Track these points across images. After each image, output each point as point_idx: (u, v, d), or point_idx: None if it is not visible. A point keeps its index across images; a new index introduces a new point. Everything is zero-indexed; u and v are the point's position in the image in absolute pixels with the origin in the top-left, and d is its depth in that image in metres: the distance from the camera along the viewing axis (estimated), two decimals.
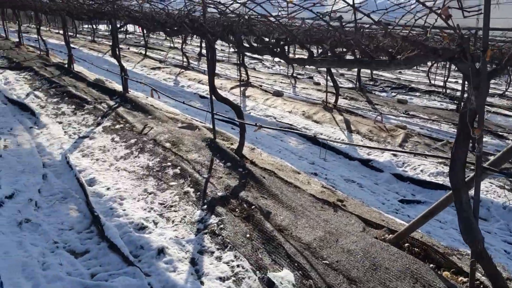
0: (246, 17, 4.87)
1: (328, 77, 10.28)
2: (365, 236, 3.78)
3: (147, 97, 9.42)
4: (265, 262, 3.47)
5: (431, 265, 3.50)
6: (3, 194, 4.30)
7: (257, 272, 3.38)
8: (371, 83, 17.55)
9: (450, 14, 2.53)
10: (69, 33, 29.59)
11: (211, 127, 7.51)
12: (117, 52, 8.09)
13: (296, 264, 3.40)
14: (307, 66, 22.42)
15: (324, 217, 4.15)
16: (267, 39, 4.80)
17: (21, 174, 5.04)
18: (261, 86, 13.60)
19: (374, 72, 20.31)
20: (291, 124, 9.30)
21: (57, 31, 30.94)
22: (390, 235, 3.86)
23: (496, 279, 3.02)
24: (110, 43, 22.72)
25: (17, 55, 13.45)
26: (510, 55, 2.87)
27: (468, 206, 2.99)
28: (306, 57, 3.89)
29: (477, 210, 3.01)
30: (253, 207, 4.24)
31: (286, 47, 12.43)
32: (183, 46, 17.35)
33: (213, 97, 5.91)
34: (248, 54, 25.33)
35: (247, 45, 4.72)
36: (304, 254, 3.52)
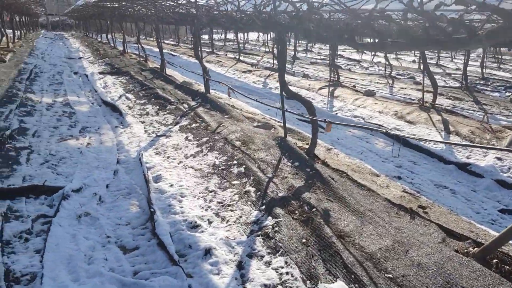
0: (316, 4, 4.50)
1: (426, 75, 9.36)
2: (443, 249, 3.16)
3: (230, 98, 9.40)
4: (318, 271, 3.05)
5: None
6: (70, 188, 4.42)
7: (307, 282, 2.98)
8: (482, 82, 15.84)
9: None
10: (172, 42, 31.32)
11: (288, 126, 7.21)
12: (199, 54, 8.16)
13: (353, 276, 2.93)
14: (408, 65, 21.05)
15: (396, 225, 3.59)
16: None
17: (95, 170, 5.20)
18: (355, 86, 12.96)
19: (486, 71, 18.37)
20: (380, 125, 8.61)
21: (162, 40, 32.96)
22: (476, 249, 3.20)
23: None
24: (209, 50, 23.63)
25: (120, 62, 14.44)
26: None
27: None
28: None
29: None
30: (314, 210, 3.83)
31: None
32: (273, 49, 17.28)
33: (284, 94, 5.60)
34: (345, 56, 24.58)
35: (315, 34, 4.33)
36: (365, 265, 3.03)
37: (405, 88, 13.06)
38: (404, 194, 4.50)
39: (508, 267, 3.02)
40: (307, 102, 5.33)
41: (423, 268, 2.94)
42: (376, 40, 3.60)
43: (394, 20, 3.18)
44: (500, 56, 21.37)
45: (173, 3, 7.18)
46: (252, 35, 42.09)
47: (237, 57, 19.59)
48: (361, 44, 3.79)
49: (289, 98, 5.83)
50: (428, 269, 2.93)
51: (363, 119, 9.12)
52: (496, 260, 3.07)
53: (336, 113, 9.81)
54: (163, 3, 7.48)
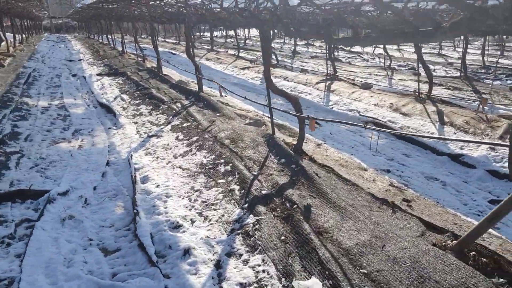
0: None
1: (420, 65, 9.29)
2: (420, 242, 3.15)
3: (222, 96, 9.40)
4: (294, 268, 3.05)
5: (501, 280, 2.78)
6: (56, 191, 4.45)
7: (283, 279, 2.98)
8: (483, 71, 15.67)
9: None
10: (174, 41, 31.29)
11: (280, 123, 7.21)
12: (191, 53, 8.16)
13: (327, 273, 2.93)
14: (410, 56, 20.87)
15: (376, 219, 3.57)
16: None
17: (84, 172, 5.23)
18: (354, 80, 12.89)
19: (489, 59, 18.17)
20: (375, 118, 8.56)
21: (162, 39, 33.06)
22: (454, 242, 3.18)
23: None
24: (209, 47, 23.62)
25: (118, 63, 14.49)
26: None
27: None
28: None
29: None
30: (295, 206, 3.83)
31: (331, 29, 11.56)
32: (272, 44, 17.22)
33: (274, 90, 5.58)
34: (346, 49, 24.43)
35: (294, 30, 4.31)
36: (340, 261, 3.02)
37: (404, 80, 12.97)
38: (389, 188, 4.48)
39: (485, 259, 2.99)
40: (293, 99, 5.31)
41: (398, 263, 2.93)
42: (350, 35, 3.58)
43: (364, 15, 3.16)
44: (503, 44, 21.12)
45: (162, 3, 7.19)
46: (254, 31, 42.03)
47: (236, 53, 19.57)
48: (336, 39, 3.77)
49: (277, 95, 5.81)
50: (403, 263, 2.92)
51: (359, 112, 9.08)
52: (473, 253, 3.05)
53: (332, 108, 9.77)
54: (152, 2, 7.48)
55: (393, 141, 7.34)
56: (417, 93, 9.28)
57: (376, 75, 14.69)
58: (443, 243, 3.21)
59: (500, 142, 5.77)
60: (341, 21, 3.66)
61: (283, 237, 3.45)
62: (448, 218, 3.75)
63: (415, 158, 6.44)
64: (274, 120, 7.29)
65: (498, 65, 16.74)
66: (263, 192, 4.21)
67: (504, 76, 14.39)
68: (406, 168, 5.93)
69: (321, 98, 10.58)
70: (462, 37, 16.42)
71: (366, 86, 10.70)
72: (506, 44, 21.39)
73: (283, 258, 3.21)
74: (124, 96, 9.40)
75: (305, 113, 9.30)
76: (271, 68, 14.84)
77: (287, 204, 3.92)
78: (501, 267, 2.94)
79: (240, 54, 19.44)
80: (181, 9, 7.60)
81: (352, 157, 5.71)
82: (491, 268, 2.92)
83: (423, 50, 21.00)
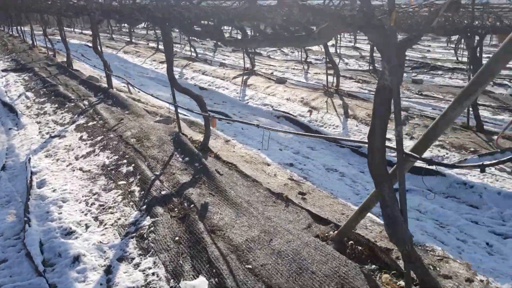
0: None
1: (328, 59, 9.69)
2: (304, 235, 3.34)
3: (139, 91, 9.20)
4: (184, 269, 3.11)
5: (373, 267, 3.03)
6: None
7: (171, 280, 3.03)
8: None
9: None
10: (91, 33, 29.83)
11: (192, 119, 7.22)
12: (98, 48, 7.88)
13: (214, 271, 3.02)
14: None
15: (269, 214, 3.73)
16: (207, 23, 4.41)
17: None
18: (272, 73, 13.16)
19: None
20: (287, 112, 8.84)
21: (80, 31, 31.50)
22: (335, 232, 3.41)
23: (428, 283, 2.53)
24: (128, 40, 22.88)
25: (27, 57, 13.63)
26: (427, 21, 2.35)
27: (393, 200, 2.52)
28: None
29: (404, 204, 2.54)
30: (192, 206, 3.88)
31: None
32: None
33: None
34: None
35: (189, 29, 4.33)
36: (228, 258, 3.13)
37: (319, 73, 13.46)
38: (288, 182, 4.67)
39: (360, 247, 3.24)
40: (197, 97, 5.34)
41: (282, 256, 3.09)
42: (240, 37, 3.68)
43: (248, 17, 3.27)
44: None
45: None
46: None
47: (156, 46, 19.15)
48: (227, 40, 3.84)
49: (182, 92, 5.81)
50: (286, 256, 3.08)
51: (272, 107, 9.31)
52: (351, 242, 3.30)
53: (248, 102, 9.93)
54: None
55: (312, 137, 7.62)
56: (326, 88, 9.69)
57: (294, 69, 15.12)
58: (326, 234, 3.43)
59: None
60: (231, 22, 3.74)
61: (177, 238, 3.49)
62: (338, 209, 4.00)
63: (320, 151, 6.76)
64: (186, 117, 7.30)
65: (406, 58, 17.87)
66: (163, 192, 4.21)
67: (410, 69, 15.39)
68: (310, 161, 6.20)
69: (237, 93, 10.70)
70: None
71: (281, 81, 10.98)
72: None
73: (174, 259, 3.25)
74: (29, 93, 8.88)
75: (221, 108, 9.40)
76: (190, 62, 14.74)
77: (185, 204, 3.97)
78: (375, 254, 3.21)
79: (161, 47, 19.05)
80: (85, 4, 7.31)
81: (259, 152, 5.86)
82: (365, 256, 3.18)
83: (341, 44, 21.93)
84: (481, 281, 3.05)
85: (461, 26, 6.78)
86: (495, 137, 6.42)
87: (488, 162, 2.20)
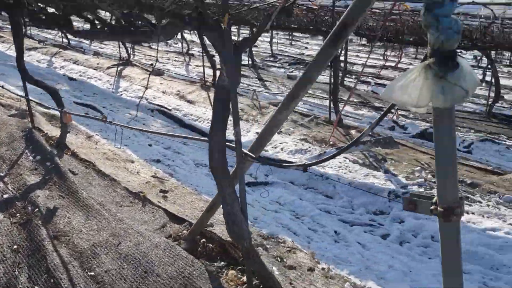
0: None
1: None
2: (155, 236, 3.27)
3: None
4: (20, 281, 2.85)
5: (222, 264, 3.09)
6: None
7: None
8: (271, 59, 17.22)
9: None
10: None
11: (52, 113, 6.69)
12: None
13: (52, 281, 2.81)
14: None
15: (121, 215, 3.59)
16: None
17: None
18: (151, 65, 12.76)
19: (279, 48, 20.11)
20: (161, 106, 8.64)
21: None
22: (188, 231, 3.40)
23: (266, 279, 2.65)
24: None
25: None
26: (261, 25, 2.43)
27: (232, 198, 2.57)
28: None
29: (245, 202, 2.61)
30: (36, 210, 3.59)
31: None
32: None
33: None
34: None
35: (35, 17, 3.97)
36: (70, 266, 2.94)
37: (200, 66, 13.41)
38: (151, 180, 4.56)
39: (212, 244, 3.28)
40: (50, 89, 4.96)
41: (128, 260, 2.99)
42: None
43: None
44: (291, 33, 23.56)
45: None
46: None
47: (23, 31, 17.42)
48: (77, 31, 3.60)
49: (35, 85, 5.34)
50: (133, 260, 2.99)
51: (147, 100, 9.03)
52: (203, 240, 3.31)
53: (121, 95, 9.51)
54: None
55: (175, 129, 7.53)
56: (202, 81, 9.69)
57: (175, 60, 14.88)
58: (179, 234, 3.41)
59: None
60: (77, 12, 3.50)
61: (15, 246, 3.19)
62: (199, 206, 3.99)
63: (191, 146, 6.72)
64: (46, 110, 6.73)
65: (284, 54, 18.68)
66: (5, 196, 3.83)
67: (287, 64, 16.08)
68: (180, 156, 6.14)
69: (111, 84, 10.19)
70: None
71: (158, 73, 10.72)
72: (295, 34, 23.87)
73: (10, 270, 2.97)
74: None
75: (91, 100, 8.86)
76: (61, 50, 13.66)
77: (29, 208, 3.65)
78: (227, 250, 3.26)
79: (31, 33, 17.40)
80: None
81: (125, 148, 5.63)
82: (216, 253, 3.22)
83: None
84: (323, 269, 3.28)
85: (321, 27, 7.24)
86: (353, 131, 7.01)
87: (309, 162, 2.34)
